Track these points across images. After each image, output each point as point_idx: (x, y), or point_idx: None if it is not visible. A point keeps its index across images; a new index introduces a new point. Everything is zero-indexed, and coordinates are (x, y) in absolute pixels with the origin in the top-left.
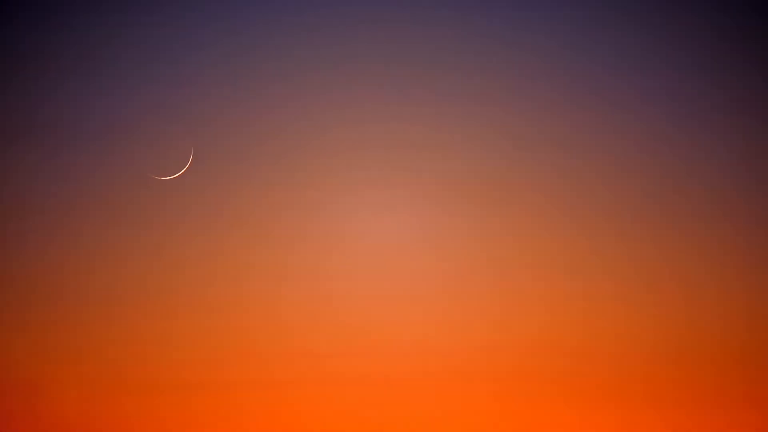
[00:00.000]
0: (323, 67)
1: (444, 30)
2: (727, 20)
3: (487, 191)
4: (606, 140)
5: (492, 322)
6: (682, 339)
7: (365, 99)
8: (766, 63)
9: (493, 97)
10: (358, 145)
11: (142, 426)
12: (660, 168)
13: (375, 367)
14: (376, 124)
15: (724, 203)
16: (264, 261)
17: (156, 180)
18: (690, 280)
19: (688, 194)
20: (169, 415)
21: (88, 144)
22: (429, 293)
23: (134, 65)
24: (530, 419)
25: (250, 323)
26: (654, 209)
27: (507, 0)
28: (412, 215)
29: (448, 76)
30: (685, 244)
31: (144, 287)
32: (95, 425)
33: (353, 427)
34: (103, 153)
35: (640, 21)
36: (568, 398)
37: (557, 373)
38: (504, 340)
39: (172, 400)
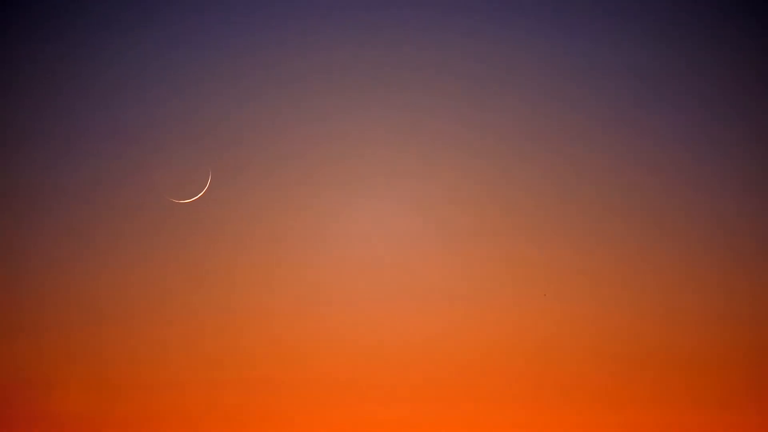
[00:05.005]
0: (339, 91)
1: (447, 38)
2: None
3: (489, 199)
4: (605, 145)
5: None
6: (690, 343)
7: (374, 119)
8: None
9: (493, 104)
10: (365, 160)
11: (158, 425)
12: (655, 174)
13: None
14: (382, 146)
15: (724, 207)
16: (271, 272)
17: (177, 203)
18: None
19: (688, 202)
20: (171, 414)
21: (107, 162)
22: (445, 296)
23: (148, 84)
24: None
25: (250, 329)
26: (649, 216)
27: (498, 11)
28: (421, 220)
29: (454, 85)
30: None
31: (164, 298)
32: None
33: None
34: (125, 174)
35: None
36: (571, 399)
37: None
38: (502, 342)
39: (176, 399)
